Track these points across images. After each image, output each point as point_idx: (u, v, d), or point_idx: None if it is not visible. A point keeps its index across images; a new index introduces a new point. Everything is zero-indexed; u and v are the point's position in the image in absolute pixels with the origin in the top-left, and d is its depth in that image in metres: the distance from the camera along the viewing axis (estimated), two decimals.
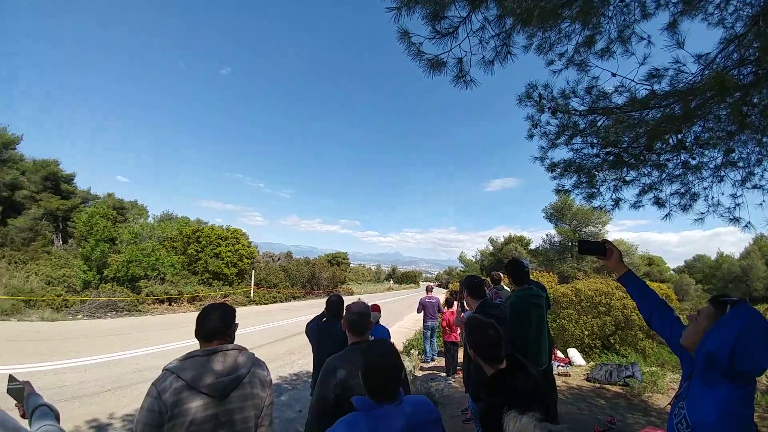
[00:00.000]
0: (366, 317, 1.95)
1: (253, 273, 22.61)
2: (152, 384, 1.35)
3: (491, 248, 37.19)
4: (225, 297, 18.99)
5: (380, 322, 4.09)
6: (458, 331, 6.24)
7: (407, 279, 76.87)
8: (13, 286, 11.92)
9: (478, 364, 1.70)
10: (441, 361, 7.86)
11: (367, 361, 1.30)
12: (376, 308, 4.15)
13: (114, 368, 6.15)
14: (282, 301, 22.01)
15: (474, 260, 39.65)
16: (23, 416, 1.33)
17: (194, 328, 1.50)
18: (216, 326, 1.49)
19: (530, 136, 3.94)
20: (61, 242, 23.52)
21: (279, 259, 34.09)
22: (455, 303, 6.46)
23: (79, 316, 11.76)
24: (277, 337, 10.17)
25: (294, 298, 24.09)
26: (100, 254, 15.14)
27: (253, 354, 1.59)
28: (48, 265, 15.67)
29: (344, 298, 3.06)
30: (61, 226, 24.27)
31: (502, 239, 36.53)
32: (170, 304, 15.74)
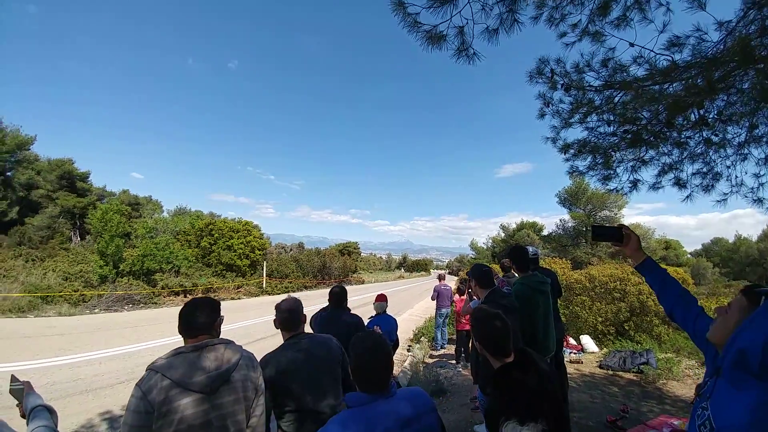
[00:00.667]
0: (296, 313, 1.99)
1: (265, 264, 22.90)
2: (136, 384, 1.30)
3: (503, 235, 36.80)
4: (238, 288, 19.32)
5: (387, 311, 4.02)
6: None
7: (418, 267, 76.97)
8: (30, 284, 12.25)
9: (485, 356, 1.64)
10: (451, 349, 7.82)
11: (357, 355, 1.26)
12: (383, 298, 4.12)
13: (129, 360, 6.29)
14: (294, 291, 22.28)
15: (485, 247, 39.37)
16: (23, 416, 1.34)
17: (177, 325, 1.46)
18: (200, 321, 1.46)
19: (542, 116, 3.73)
20: (78, 239, 24.21)
21: (291, 249, 34.46)
22: (467, 291, 6.39)
23: (96, 310, 12.12)
24: None
25: (306, 287, 24.36)
26: (116, 249, 15.47)
27: (241, 346, 1.55)
28: (65, 261, 16.13)
29: (354, 287, 3.03)
30: (78, 223, 24.93)
31: (514, 226, 36.08)
32: (185, 296, 16.08)
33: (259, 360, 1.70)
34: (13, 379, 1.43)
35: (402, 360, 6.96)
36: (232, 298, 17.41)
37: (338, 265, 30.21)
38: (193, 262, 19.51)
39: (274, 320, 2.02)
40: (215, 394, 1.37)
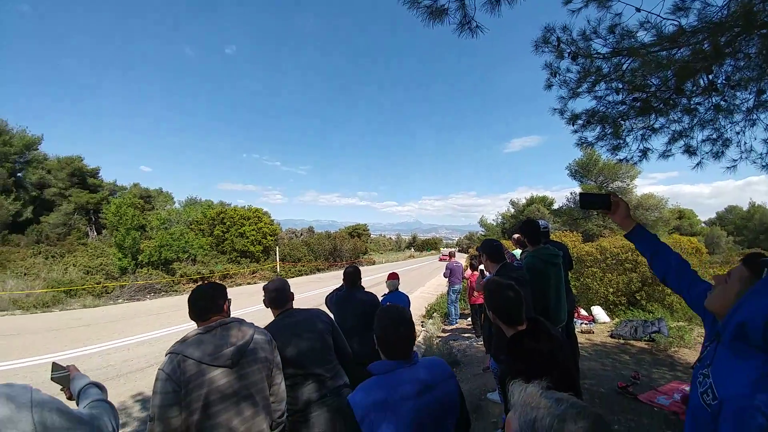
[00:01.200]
0: (283, 291, 2.10)
1: (277, 249, 23.34)
2: (159, 369, 1.40)
3: (512, 211, 36.47)
4: (253, 273, 19.80)
5: (399, 289, 4.13)
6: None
7: (428, 246, 77.47)
8: (52, 279, 12.70)
9: (498, 327, 1.69)
10: (463, 324, 8.01)
11: (383, 326, 1.33)
12: (395, 276, 4.21)
13: (156, 345, 6.63)
14: (307, 274, 22.76)
15: (495, 224, 39.18)
16: (70, 398, 1.36)
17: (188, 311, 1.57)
18: (207, 305, 1.55)
19: (549, 86, 3.63)
20: (95, 233, 24.88)
21: (301, 234, 34.91)
22: (479, 266, 6.48)
23: (119, 301, 12.64)
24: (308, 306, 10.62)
25: (318, 270, 24.82)
26: (132, 241, 15.92)
27: (252, 323, 1.66)
28: (85, 255, 16.68)
29: (365, 267, 3.12)
30: (93, 219, 25.54)
31: (524, 201, 35.65)
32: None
33: None
34: (56, 366, 1.41)
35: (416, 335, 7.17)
36: (248, 283, 17.90)
37: (349, 248, 30.59)
38: (208, 250, 20.02)
39: (264, 300, 2.13)
40: (237, 367, 1.48)
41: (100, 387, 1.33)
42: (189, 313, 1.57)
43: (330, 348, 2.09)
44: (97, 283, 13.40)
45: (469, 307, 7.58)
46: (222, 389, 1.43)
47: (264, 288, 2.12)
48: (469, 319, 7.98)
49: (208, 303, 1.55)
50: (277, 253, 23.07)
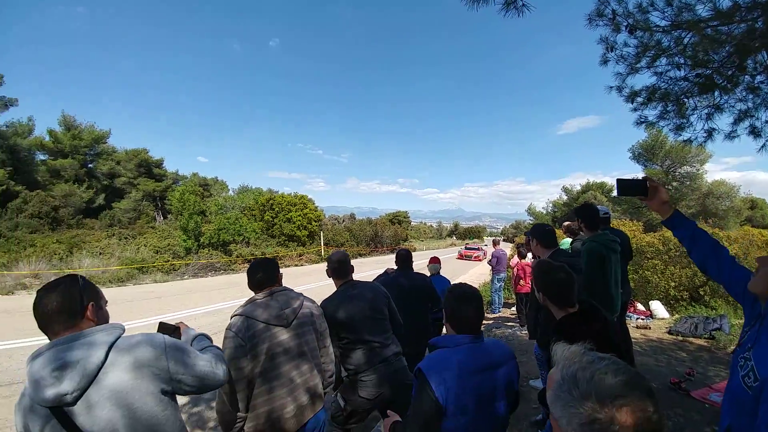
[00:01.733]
0: (345, 263, 2.24)
1: (321, 234, 24.36)
2: (227, 328, 1.63)
3: (565, 198, 34.26)
4: (300, 256, 20.94)
5: (441, 274, 4.19)
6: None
7: (470, 234, 75.48)
8: (126, 258, 14.41)
9: (548, 310, 1.68)
10: (506, 312, 7.90)
11: (454, 298, 1.37)
12: (436, 260, 4.29)
13: (218, 315, 7.42)
14: (350, 259, 23.51)
15: (545, 212, 37.12)
16: None
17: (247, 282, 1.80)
18: (266, 276, 1.77)
19: (604, 62, 3.40)
20: (161, 218, 27.62)
21: (343, 221, 35.95)
22: (528, 254, 6.29)
23: (185, 277, 14.13)
24: None
25: (360, 255, 25.56)
26: (195, 225, 17.57)
27: (302, 293, 1.88)
28: (154, 237, 18.71)
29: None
30: (159, 205, 28.26)
31: (579, 187, 33.29)
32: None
33: (320, 303, 2.08)
34: (163, 325, 1.46)
35: None
36: (296, 265, 19.01)
37: (389, 234, 30.98)
38: (260, 233, 21.49)
39: (327, 270, 2.29)
40: (293, 327, 1.71)
41: (209, 337, 1.47)
42: (248, 283, 1.78)
43: (385, 318, 2.22)
44: (166, 261, 15.08)
45: (513, 296, 7.43)
46: (283, 344, 1.66)
47: (328, 258, 2.29)
48: (513, 308, 7.83)
49: (266, 274, 1.76)
50: (322, 237, 24.07)
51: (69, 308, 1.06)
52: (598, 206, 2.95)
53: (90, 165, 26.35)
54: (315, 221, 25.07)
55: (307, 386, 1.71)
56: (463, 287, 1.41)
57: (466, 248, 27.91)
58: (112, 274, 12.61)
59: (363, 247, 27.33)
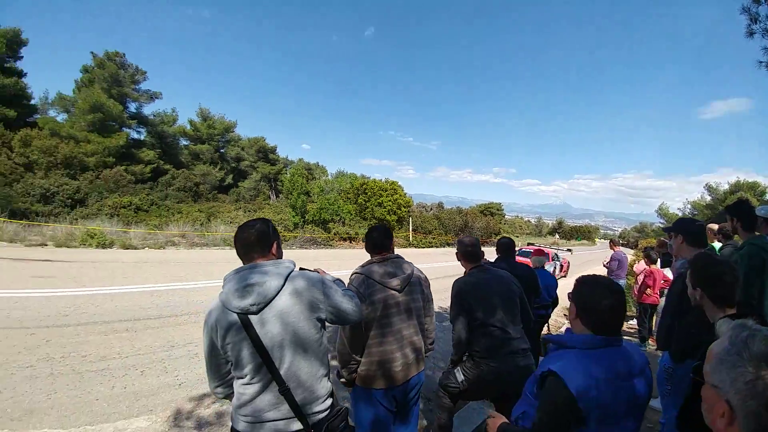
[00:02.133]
0: (477, 247, 2.30)
1: (410, 220, 24.60)
2: (349, 283, 1.79)
3: (708, 198, 27.50)
4: None
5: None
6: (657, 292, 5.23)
7: (578, 234, 65.38)
8: None
9: (698, 312, 1.54)
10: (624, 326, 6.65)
11: (592, 292, 1.14)
12: (541, 252, 4.21)
13: None
14: (437, 247, 23.28)
15: (681, 214, 30.45)
16: None
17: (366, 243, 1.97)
18: (378, 238, 1.92)
19: (750, 34, 2.79)
20: (274, 196, 31.64)
21: (431, 209, 35.69)
22: (659, 259, 5.29)
23: (293, 248, 15.90)
24: (438, 275, 10.89)
25: (448, 244, 25.04)
26: (301, 203, 19.63)
27: (412, 263, 1.97)
28: (270, 212, 21.52)
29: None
30: (272, 185, 32.52)
31: (726, 186, 26.34)
32: (350, 242, 19.15)
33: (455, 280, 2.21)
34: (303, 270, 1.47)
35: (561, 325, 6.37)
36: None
37: (480, 225, 29.56)
38: (354, 215, 22.83)
39: (456, 253, 2.34)
40: (405, 291, 1.82)
41: (343, 282, 1.62)
42: (366, 245, 1.95)
43: (518, 309, 2.18)
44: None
45: (634, 307, 6.19)
46: (395, 300, 1.79)
47: (459, 241, 2.35)
48: (631, 321, 6.55)
49: (380, 238, 1.90)
50: (410, 223, 24.30)
51: (264, 241, 1.34)
52: (757, 207, 2.54)
53: (222, 150, 31.94)
54: (404, 207, 25.44)
55: (413, 344, 1.83)
56: (602, 279, 1.18)
57: (533, 248, 24.94)
58: None
59: (451, 237, 26.68)
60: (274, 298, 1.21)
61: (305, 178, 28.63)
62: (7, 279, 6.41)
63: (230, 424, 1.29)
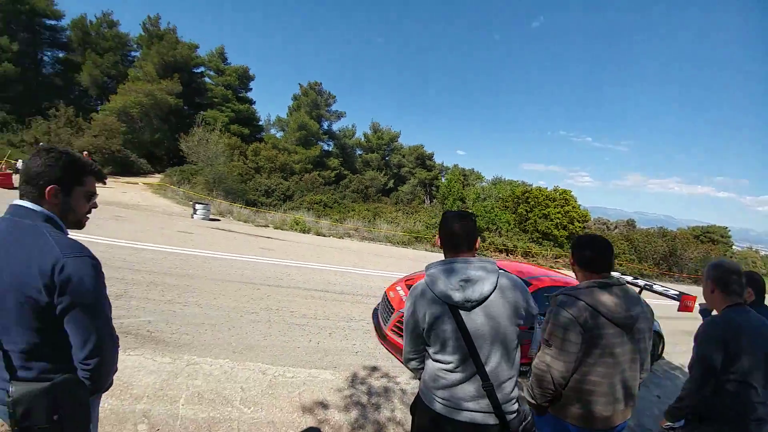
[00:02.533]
0: (738, 275, 1.75)
1: None
2: (558, 306, 1.55)
3: None
4: (556, 258, 18.48)
5: None
6: None
7: None
8: (408, 228, 17.77)
9: None
10: None
11: None
12: None
13: None
14: (624, 275, 18.42)
15: None
16: None
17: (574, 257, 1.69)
18: (591, 256, 1.62)
19: None
20: (429, 201, 32.66)
21: (616, 227, 28.88)
22: None
23: None
24: None
25: (642, 275, 19.44)
26: (457, 209, 19.26)
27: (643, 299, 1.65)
28: (426, 215, 22.05)
29: None
30: (428, 190, 33.84)
31: None
32: (507, 255, 17.40)
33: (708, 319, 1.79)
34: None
35: None
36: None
37: (695, 255, 21.71)
38: (512, 226, 20.77)
39: (707, 283, 1.86)
40: (632, 330, 1.53)
41: None
42: (571, 258, 1.70)
43: None
44: (433, 235, 17.31)
45: None
46: (616, 346, 1.50)
47: (715, 266, 1.80)
48: None
49: (595, 255, 1.61)
50: None
51: (472, 237, 1.40)
52: None
53: (387, 158, 35.76)
54: (578, 221, 21.38)
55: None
56: None
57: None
58: (399, 238, 16.29)
59: (648, 266, 20.63)
60: (488, 296, 1.26)
61: (461, 183, 28.31)
62: (244, 248, 8.59)
63: (394, 399, 1.49)
